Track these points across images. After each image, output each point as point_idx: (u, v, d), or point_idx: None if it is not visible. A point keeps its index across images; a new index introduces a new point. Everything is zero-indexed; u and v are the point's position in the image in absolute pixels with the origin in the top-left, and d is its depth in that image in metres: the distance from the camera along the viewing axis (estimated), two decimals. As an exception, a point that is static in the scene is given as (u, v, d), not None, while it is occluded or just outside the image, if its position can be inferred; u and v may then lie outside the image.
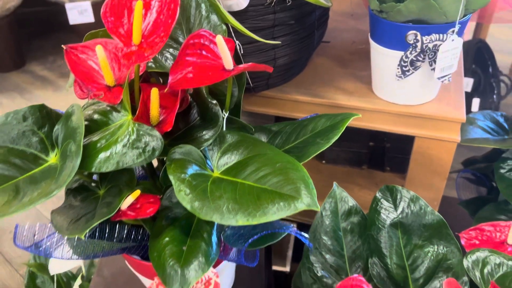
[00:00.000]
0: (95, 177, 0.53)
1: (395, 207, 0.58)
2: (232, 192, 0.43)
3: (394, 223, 0.57)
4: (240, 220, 0.40)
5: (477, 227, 0.67)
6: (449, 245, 0.57)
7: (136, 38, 0.45)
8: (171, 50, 0.55)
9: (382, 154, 0.91)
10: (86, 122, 0.46)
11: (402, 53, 0.61)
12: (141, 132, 0.44)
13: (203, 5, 0.54)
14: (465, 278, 0.58)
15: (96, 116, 0.47)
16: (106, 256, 0.53)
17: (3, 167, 0.43)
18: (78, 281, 0.86)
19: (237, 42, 0.60)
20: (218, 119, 0.49)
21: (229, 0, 0.59)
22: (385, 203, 0.58)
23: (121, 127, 0.45)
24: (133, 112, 0.47)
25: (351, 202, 0.62)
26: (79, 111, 0.45)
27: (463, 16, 0.60)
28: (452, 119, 0.64)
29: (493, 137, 0.84)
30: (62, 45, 0.48)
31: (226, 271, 0.65)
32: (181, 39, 0.55)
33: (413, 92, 0.66)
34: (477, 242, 0.62)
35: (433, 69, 0.60)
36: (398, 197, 0.58)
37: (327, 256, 0.60)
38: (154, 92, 0.46)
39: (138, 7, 0.44)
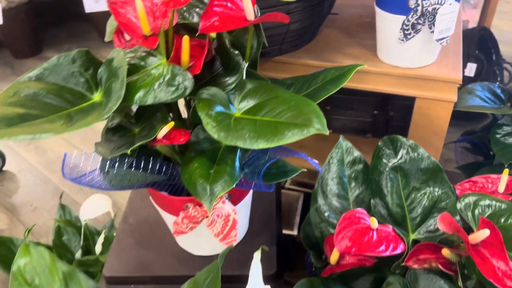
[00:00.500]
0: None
1: (396, 153, 0.64)
2: (252, 125, 0.50)
3: (394, 167, 0.64)
4: (260, 144, 0.47)
5: (470, 179, 0.73)
6: (444, 188, 0.63)
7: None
8: (197, 9, 0.62)
9: (386, 122, 0.97)
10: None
11: (404, 17, 0.67)
12: (175, 72, 0.51)
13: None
14: (457, 218, 0.65)
15: (134, 61, 0.54)
16: (139, 188, 0.60)
17: (57, 100, 0.50)
18: (102, 235, 0.94)
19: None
20: (240, 67, 0.56)
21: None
22: (387, 150, 0.65)
23: (157, 68, 0.52)
24: (166, 59, 0.54)
25: (356, 153, 0.69)
26: (120, 54, 0.52)
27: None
28: (450, 80, 0.71)
29: (490, 105, 0.90)
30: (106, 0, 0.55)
31: (242, 216, 0.71)
32: (205, 0, 0.62)
33: (414, 55, 0.72)
34: (470, 192, 0.68)
35: (433, 31, 0.67)
36: (399, 145, 0.65)
37: (333, 200, 0.67)
38: (186, 40, 0.53)
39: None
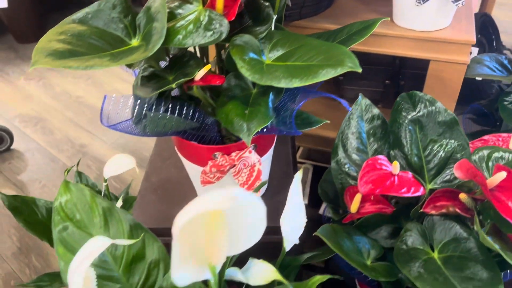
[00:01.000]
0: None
1: (414, 107, 0.68)
2: (285, 68, 0.53)
3: (413, 119, 0.67)
4: (295, 83, 0.50)
5: (482, 138, 0.77)
6: (460, 140, 0.67)
7: None
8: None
9: (397, 92, 1.01)
10: (163, 13, 0.56)
11: (422, -21, 0.70)
12: (212, 17, 0.54)
13: None
14: (472, 169, 0.68)
15: (171, 8, 0.56)
16: (172, 135, 0.63)
17: (100, 41, 0.52)
18: (121, 200, 0.96)
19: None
20: (270, 17, 0.59)
21: None
22: (406, 105, 0.68)
23: (195, 14, 0.54)
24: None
25: (375, 110, 0.72)
26: (158, 0, 0.54)
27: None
28: (464, 41, 0.74)
29: (498, 74, 0.94)
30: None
31: (264, 170, 0.74)
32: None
33: (429, 18, 0.75)
34: (484, 146, 0.72)
35: (449, -7, 0.70)
36: (417, 99, 0.68)
37: (353, 153, 0.70)
38: (221, -12, 0.55)
39: None
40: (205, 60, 0.63)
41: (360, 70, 0.49)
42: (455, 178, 0.66)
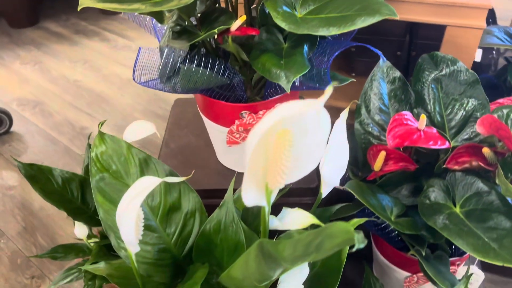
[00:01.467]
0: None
1: (436, 66, 0.69)
2: (319, 19, 0.54)
3: (436, 78, 0.68)
4: (333, 31, 0.51)
5: (496, 101, 0.78)
6: (480, 99, 0.68)
7: None
8: None
9: (408, 63, 1.02)
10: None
11: None
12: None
13: None
14: (493, 126, 0.69)
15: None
16: (201, 93, 0.63)
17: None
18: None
19: None
20: (301, -28, 0.59)
21: None
22: (427, 65, 0.69)
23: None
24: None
25: (396, 72, 0.73)
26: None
27: None
28: (480, 6, 0.76)
29: (506, 44, 0.96)
30: None
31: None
32: None
33: (447, -17, 0.76)
34: (502, 105, 0.73)
35: (468, -44, 0.71)
36: (439, 59, 0.69)
37: (375, 114, 0.71)
38: None
39: None
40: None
41: (397, 16, 0.50)
42: (476, 136, 0.68)
